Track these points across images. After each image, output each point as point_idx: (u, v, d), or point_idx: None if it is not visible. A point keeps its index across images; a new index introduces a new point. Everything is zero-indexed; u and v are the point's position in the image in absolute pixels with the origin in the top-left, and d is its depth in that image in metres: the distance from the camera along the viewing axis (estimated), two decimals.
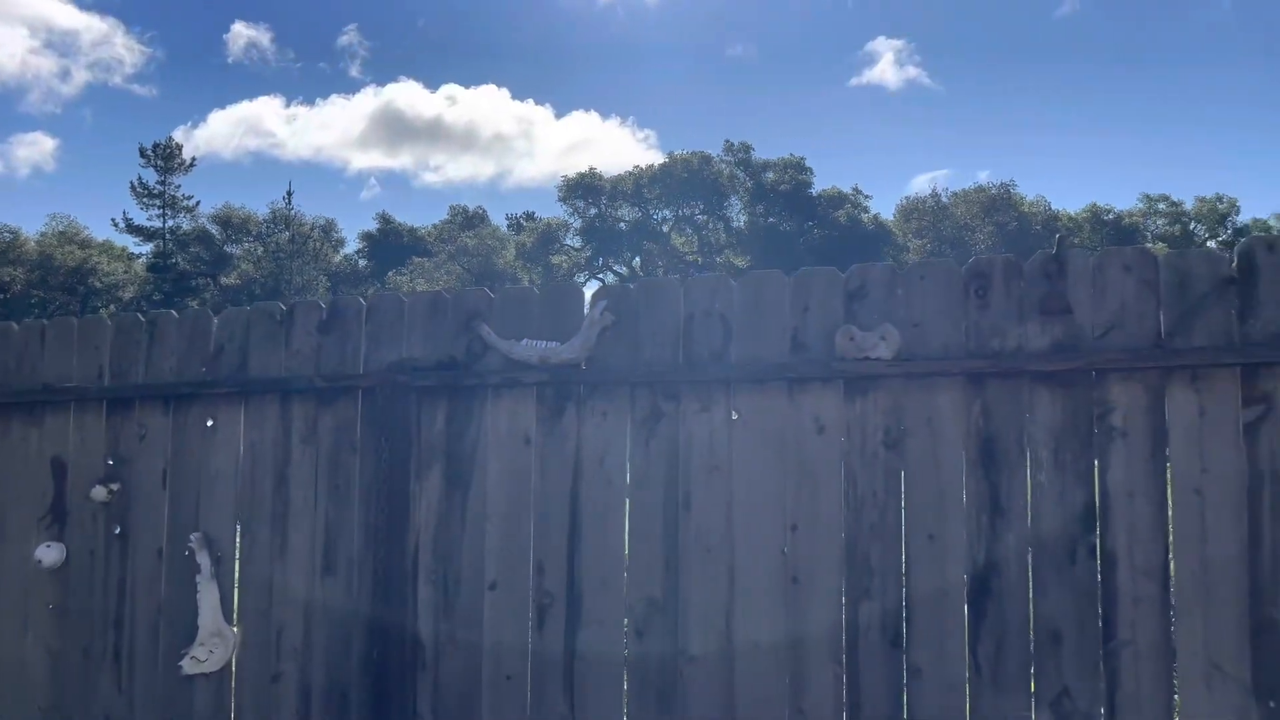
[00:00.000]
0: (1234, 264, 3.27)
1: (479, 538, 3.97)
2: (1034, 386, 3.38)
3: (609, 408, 3.85)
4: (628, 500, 3.82)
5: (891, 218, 52.75)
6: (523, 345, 3.95)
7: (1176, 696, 3.20)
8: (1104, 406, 3.32)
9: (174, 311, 4.63)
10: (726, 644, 3.62)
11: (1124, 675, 3.24)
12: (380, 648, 4.02)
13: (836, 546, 3.53)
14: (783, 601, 3.57)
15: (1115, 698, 3.24)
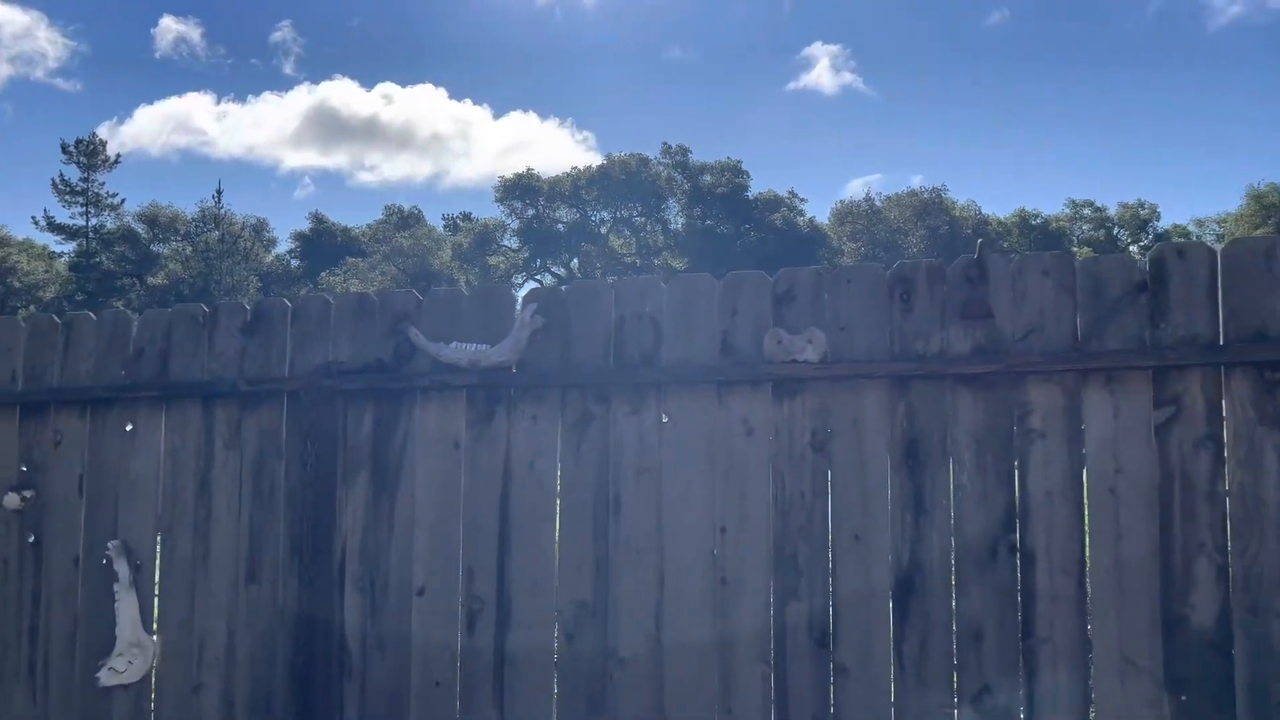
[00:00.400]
0: (1146, 270, 3.37)
1: (407, 543, 3.93)
2: (956, 389, 3.45)
3: (540, 411, 3.84)
4: (558, 504, 3.81)
5: (827, 221, 53.49)
6: (452, 348, 3.92)
7: (1092, 691, 3.28)
8: (1024, 408, 3.39)
9: (91, 313, 4.51)
10: (656, 646, 3.63)
11: (1043, 671, 3.31)
12: (306, 656, 3.96)
13: (765, 548, 3.56)
14: (712, 603, 3.59)
15: (1034, 693, 3.31)
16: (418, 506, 3.93)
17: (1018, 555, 3.36)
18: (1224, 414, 3.24)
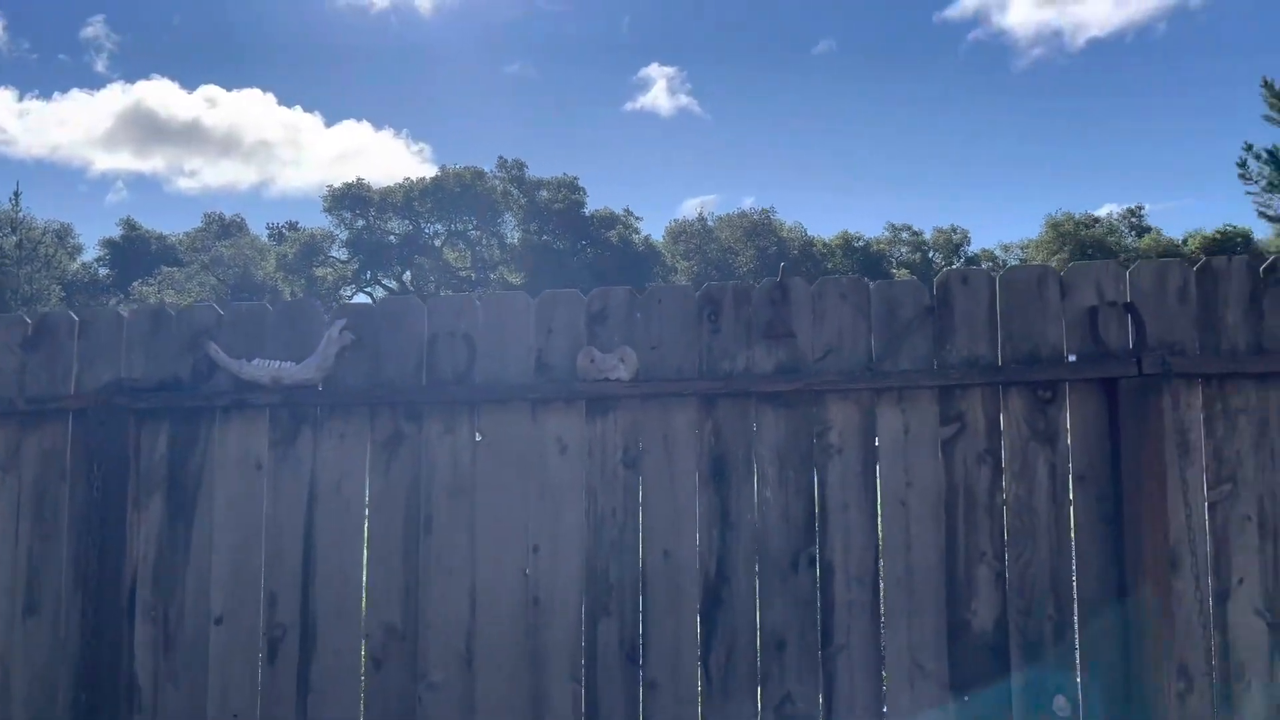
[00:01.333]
0: (933, 294, 3.59)
1: (204, 569, 3.75)
2: (760, 406, 3.58)
3: (348, 430, 3.74)
4: (367, 525, 3.72)
5: (661, 239, 54.50)
6: (254, 365, 3.78)
7: (885, 695, 3.45)
8: (822, 425, 3.55)
9: None
10: (467, 669, 3.59)
11: (840, 678, 3.46)
12: (90, 692, 3.71)
13: (577, 566, 3.59)
14: (524, 623, 3.58)
15: (833, 700, 3.46)
16: (216, 530, 3.76)
17: (817, 566, 3.50)
18: (1002, 430, 3.49)
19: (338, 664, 3.65)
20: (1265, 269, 3.47)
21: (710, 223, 56.38)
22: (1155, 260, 3.67)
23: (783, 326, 3.60)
